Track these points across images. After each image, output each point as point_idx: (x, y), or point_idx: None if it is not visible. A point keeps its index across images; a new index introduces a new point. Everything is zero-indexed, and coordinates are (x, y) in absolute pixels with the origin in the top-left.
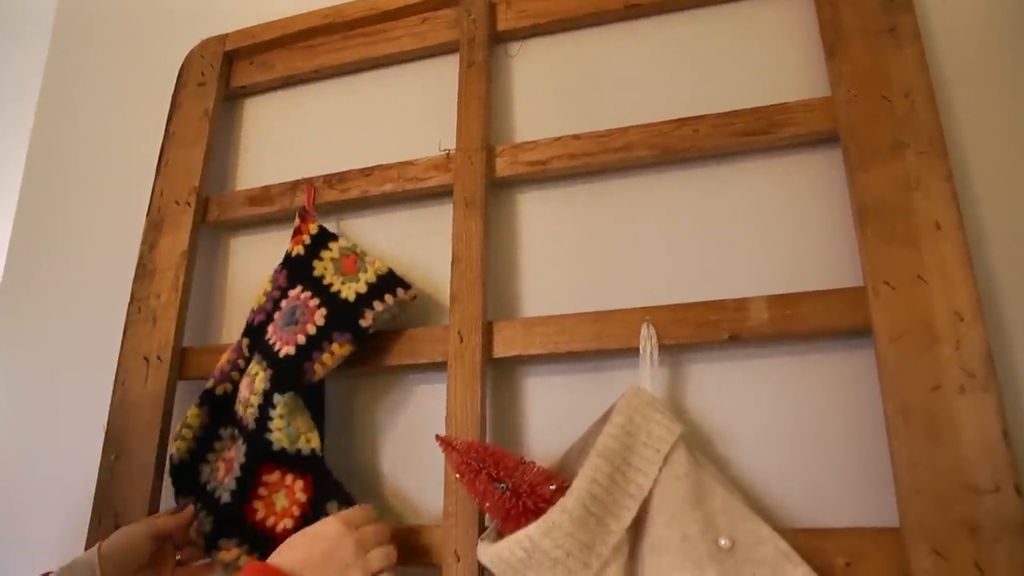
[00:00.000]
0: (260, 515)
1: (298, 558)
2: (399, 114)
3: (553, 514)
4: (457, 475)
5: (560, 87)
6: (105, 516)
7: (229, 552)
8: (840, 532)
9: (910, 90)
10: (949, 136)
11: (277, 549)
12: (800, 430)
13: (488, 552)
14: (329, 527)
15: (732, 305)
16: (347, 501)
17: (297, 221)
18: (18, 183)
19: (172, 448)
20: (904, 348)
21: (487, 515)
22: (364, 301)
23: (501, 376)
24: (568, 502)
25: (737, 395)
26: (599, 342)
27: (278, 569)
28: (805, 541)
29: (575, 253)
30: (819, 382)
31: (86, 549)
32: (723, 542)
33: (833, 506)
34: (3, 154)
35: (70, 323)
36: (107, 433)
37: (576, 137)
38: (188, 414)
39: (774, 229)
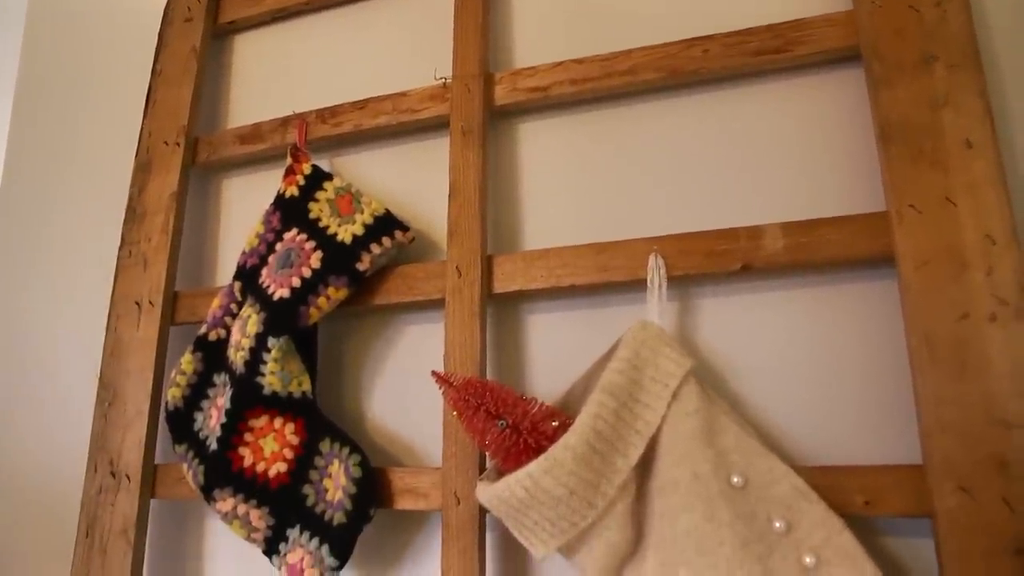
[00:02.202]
0: (248, 462)
1: None
2: (394, 44)
3: (555, 451)
4: (454, 412)
5: (562, 8)
6: (101, 462)
7: (225, 503)
8: (859, 470)
9: None
10: (983, 47)
11: None
12: (817, 364)
13: (487, 492)
14: None
15: (745, 233)
16: (341, 439)
17: (289, 160)
18: (6, 128)
19: (167, 395)
20: (930, 275)
21: (486, 454)
22: (361, 244)
23: (501, 312)
24: (571, 439)
25: (751, 328)
26: (604, 274)
27: None
28: (822, 479)
29: (579, 183)
30: (838, 313)
31: (83, 501)
32: (736, 480)
33: (851, 443)
34: None
35: (63, 269)
36: (100, 379)
37: (578, 61)
38: (182, 360)
39: (790, 154)
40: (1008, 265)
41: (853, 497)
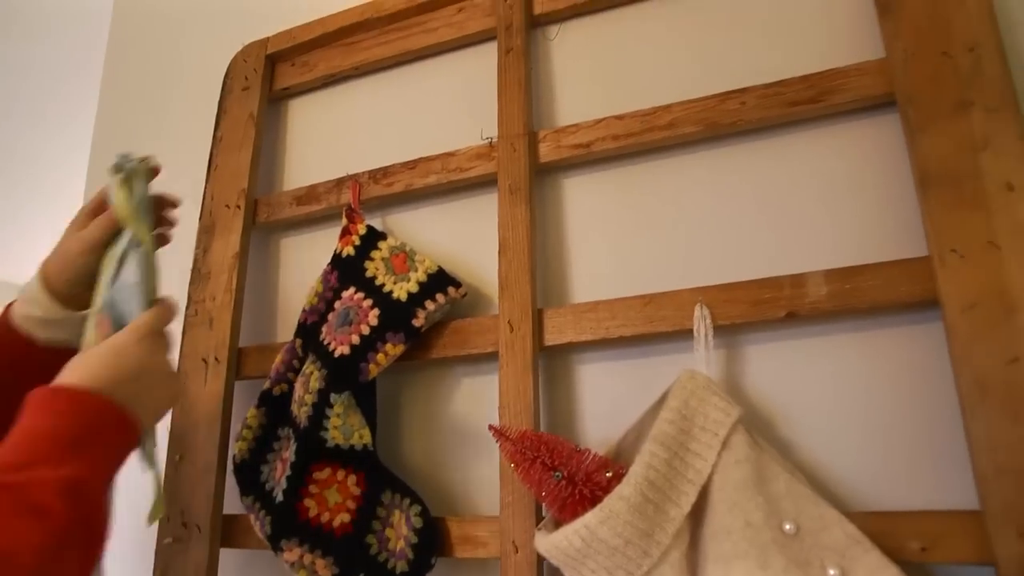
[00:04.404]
0: (313, 512)
1: (105, 376)
2: (440, 105)
3: (611, 502)
4: (511, 464)
5: (601, 67)
6: (173, 514)
7: (292, 552)
8: (914, 515)
9: (975, 44)
10: (1020, 90)
11: (71, 365)
12: (866, 409)
13: (545, 542)
14: (133, 342)
15: (789, 281)
16: (401, 490)
17: (344, 221)
18: (81, 197)
19: (234, 448)
20: (977, 319)
21: (543, 505)
22: (416, 301)
23: (552, 364)
24: (625, 489)
25: (798, 375)
26: (651, 325)
27: (87, 392)
28: (875, 525)
29: (623, 236)
30: (885, 358)
31: (156, 550)
32: (788, 527)
33: (905, 489)
34: (65, 174)
35: None
36: (171, 433)
37: (619, 118)
38: (248, 415)
39: (830, 201)
40: None
41: (908, 543)
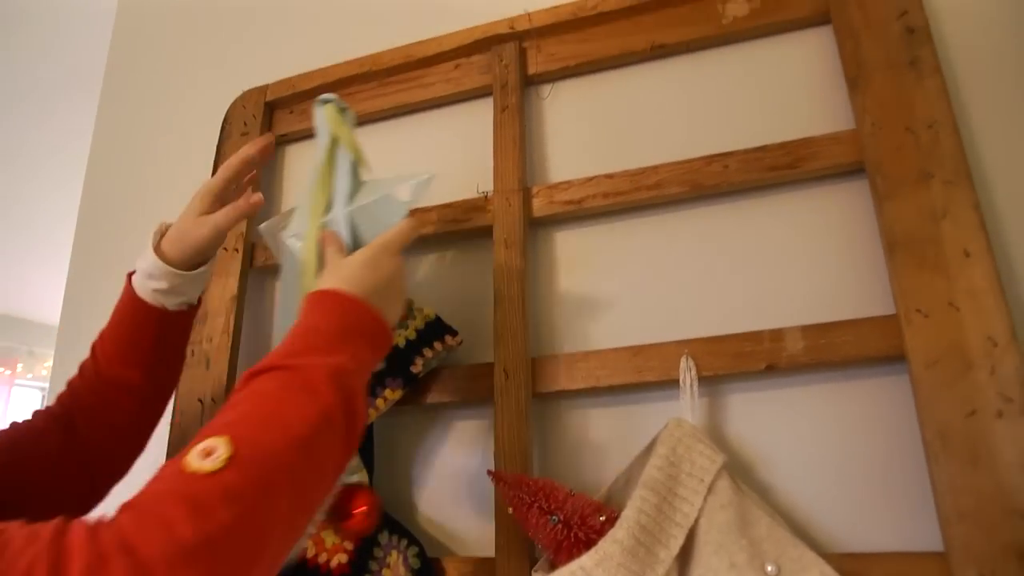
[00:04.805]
0: (311, 553)
1: (362, 285)
2: (436, 158)
3: (605, 545)
4: (510, 509)
5: (592, 127)
6: None
7: None
8: (884, 556)
9: (933, 121)
10: (973, 165)
11: (332, 272)
12: (840, 456)
13: None
14: (386, 256)
15: (768, 336)
16: (398, 531)
17: None
18: (72, 237)
19: None
20: (939, 374)
21: (540, 547)
22: (414, 348)
23: (545, 410)
24: (619, 533)
25: (776, 424)
26: (639, 375)
27: (352, 297)
28: (850, 566)
29: (613, 289)
30: (856, 409)
31: None
32: (770, 569)
33: (875, 531)
34: (59, 210)
35: None
36: None
37: (609, 176)
38: None
39: (805, 260)
40: (1010, 365)
41: None
